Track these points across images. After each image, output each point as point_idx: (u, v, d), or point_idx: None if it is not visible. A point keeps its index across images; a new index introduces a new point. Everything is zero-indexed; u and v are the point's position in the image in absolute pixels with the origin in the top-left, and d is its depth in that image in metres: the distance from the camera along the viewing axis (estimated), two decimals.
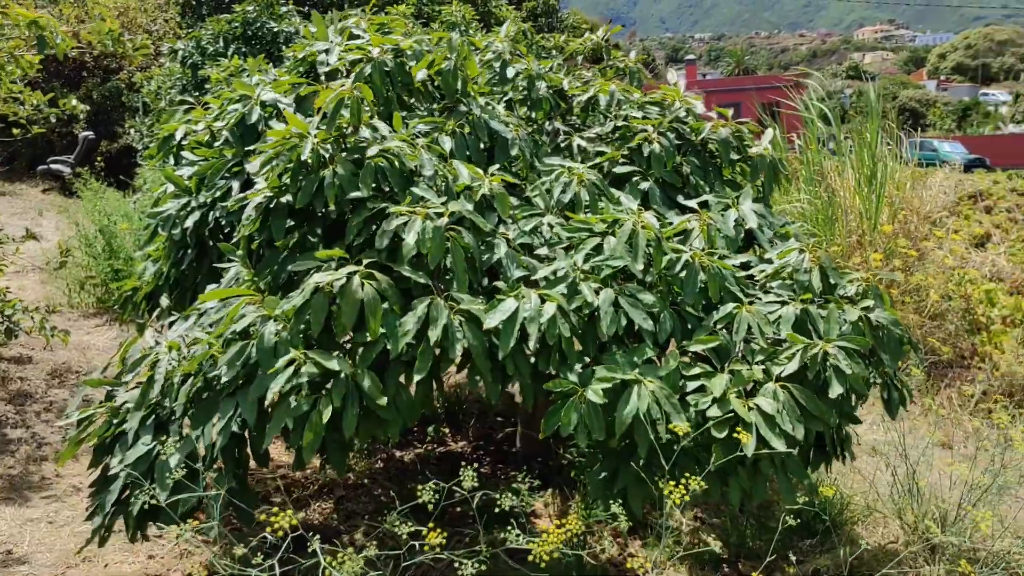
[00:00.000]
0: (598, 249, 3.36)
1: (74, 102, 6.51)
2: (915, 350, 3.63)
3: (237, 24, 9.52)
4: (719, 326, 3.25)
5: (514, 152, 3.94)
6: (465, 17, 10.01)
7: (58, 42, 4.96)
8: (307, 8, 11.65)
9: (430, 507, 2.57)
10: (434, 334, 2.90)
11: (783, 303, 3.32)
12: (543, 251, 3.48)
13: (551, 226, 3.59)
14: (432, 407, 3.15)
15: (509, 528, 2.60)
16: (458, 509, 3.87)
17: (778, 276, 3.50)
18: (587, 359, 3.18)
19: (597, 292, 3.17)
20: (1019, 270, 7.90)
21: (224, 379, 2.87)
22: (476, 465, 2.84)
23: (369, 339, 2.93)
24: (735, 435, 2.82)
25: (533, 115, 4.55)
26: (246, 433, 3.05)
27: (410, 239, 3.06)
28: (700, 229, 3.61)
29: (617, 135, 4.38)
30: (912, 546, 3.65)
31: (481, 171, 3.61)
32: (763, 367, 3.11)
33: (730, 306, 3.27)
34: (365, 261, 3.07)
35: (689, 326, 3.30)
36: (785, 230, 3.91)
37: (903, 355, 3.34)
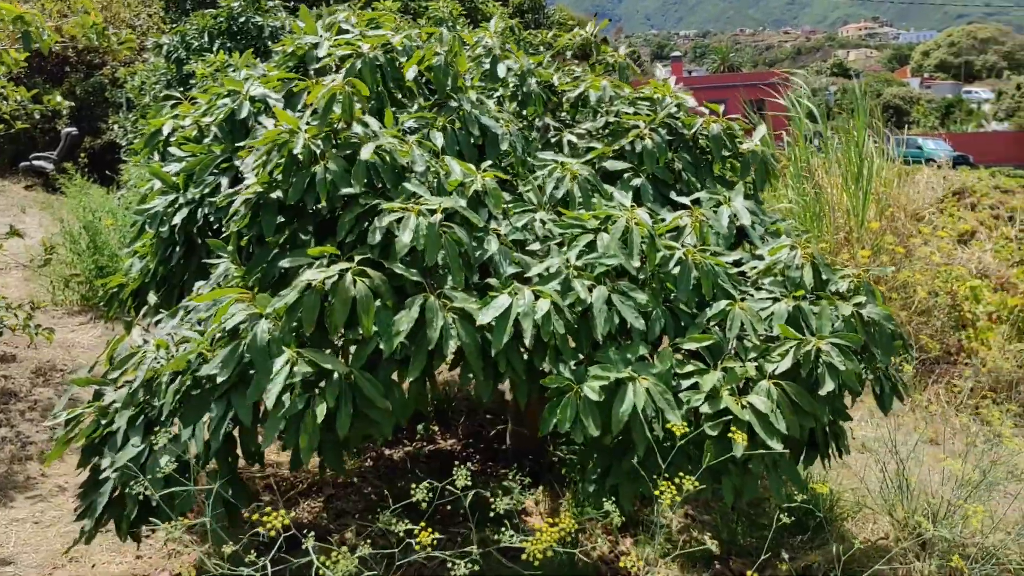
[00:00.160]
0: (591, 246, 3.34)
1: (58, 98, 6.45)
2: (906, 346, 3.64)
3: (222, 19, 9.43)
4: (712, 323, 3.24)
5: (504, 147, 3.92)
6: (452, 13, 9.97)
7: (44, 38, 4.89)
8: (293, 3, 11.56)
9: (423, 506, 2.55)
10: (432, 334, 2.88)
11: (775, 300, 3.32)
12: (535, 247, 3.47)
13: (544, 222, 3.57)
14: (425, 405, 3.12)
15: (502, 527, 2.58)
16: (448, 508, 3.85)
17: (770, 272, 3.51)
18: (580, 356, 3.17)
19: (590, 290, 3.15)
20: (1004, 267, 7.96)
21: (219, 379, 2.83)
22: (466, 463, 2.82)
23: (362, 337, 2.90)
24: (729, 434, 2.82)
25: (523, 111, 4.53)
26: (235, 432, 3.02)
27: (405, 237, 3.03)
28: (692, 226, 3.60)
29: (608, 131, 4.36)
30: (903, 542, 3.67)
31: (473, 167, 3.59)
32: (756, 364, 3.10)
33: (723, 303, 3.26)
34: (357, 258, 3.04)
35: (682, 323, 3.29)
36: (776, 227, 3.92)
37: (895, 351, 3.35)
